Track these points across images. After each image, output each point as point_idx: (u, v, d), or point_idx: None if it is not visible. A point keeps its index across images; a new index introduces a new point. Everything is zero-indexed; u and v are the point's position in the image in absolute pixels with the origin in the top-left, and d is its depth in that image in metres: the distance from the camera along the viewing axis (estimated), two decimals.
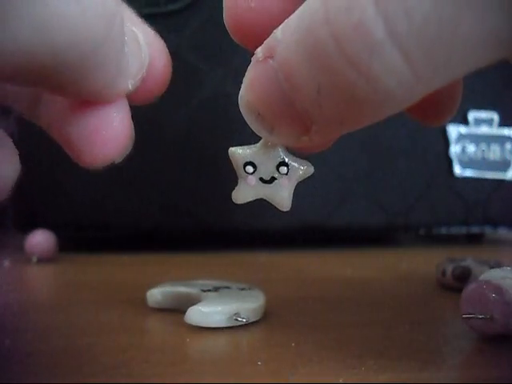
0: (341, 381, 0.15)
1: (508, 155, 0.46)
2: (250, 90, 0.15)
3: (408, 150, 0.43)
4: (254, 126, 0.16)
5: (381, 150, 0.43)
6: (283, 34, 0.14)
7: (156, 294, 0.23)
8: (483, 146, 0.45)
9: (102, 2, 0.13)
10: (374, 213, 0.43)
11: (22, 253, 0.36)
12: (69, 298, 0.26)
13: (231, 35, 0.18)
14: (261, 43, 0.15)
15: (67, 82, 0.14)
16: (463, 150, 0.44)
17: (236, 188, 0.19)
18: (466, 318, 0.18)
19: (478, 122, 0.45)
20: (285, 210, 0.19)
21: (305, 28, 0.13)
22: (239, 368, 0.16)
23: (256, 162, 0.18)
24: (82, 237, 0.42)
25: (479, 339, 0.19)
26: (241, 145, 0.18)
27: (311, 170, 0.18)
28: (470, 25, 0.12)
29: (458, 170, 0.44)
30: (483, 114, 0.45)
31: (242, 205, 0.19)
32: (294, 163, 0.18)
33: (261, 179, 0.18)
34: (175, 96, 0.39)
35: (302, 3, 0.14)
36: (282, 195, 0.19)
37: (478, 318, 0.18)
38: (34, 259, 0.35)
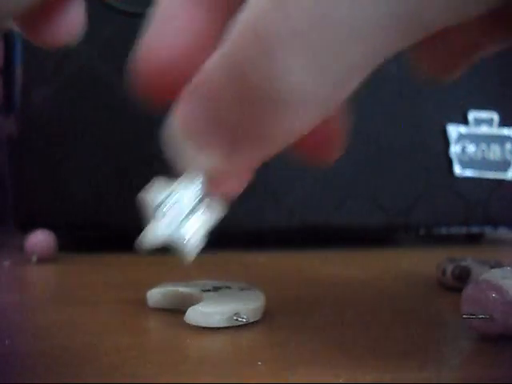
0: (341, 381, 0.15)
1: (508, 155, 0.46)
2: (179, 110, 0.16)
3: (408, 150, 0.43)
4: (183, 151, 0.16)
5: (381, 150, 0.43)
6: (206, 66, 0.15)
7: (156, 294, 0.23)
8: (483, 146, 0.45)
9: None
10: (374, 213, 0.43)
11: (22, 253, 0.36)
12: (69, 298, 0.26)
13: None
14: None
15: None
16: (463, 150, 0.44)
17: (147, 229, 0.18)
18: (466, 318, 0.18)
19: (478, 122, 0.45)
20: (187, 261, 0.18)
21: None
22: (239, 368, 0.16)
23: (171, 201, 0.18)
24: (82, 237, 0.42)
25: (479, 339, 0.19)
26: None
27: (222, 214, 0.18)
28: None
29: (458, 169, 0.44)
30: (483, 114, 0.45)
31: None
32: (211, 203, 0.18)
33: (176, 220, 0.18)
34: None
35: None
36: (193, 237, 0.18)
37: (478, 318, 0.18)
38: (34, 259, 0.35)
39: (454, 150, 0.44)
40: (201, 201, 0.17)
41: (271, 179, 0.40)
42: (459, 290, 0.19)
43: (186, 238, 0.18)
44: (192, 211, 0.18)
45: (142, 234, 0.18)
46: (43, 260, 0.35)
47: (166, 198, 0.17)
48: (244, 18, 0.14)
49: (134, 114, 0.39)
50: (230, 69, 0.14)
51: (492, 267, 0.23)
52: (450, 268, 0.27)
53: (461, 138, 0.44)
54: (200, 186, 0.17)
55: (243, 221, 0.40)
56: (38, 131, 0.39)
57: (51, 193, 0.39)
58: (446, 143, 0.44)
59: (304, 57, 0.13)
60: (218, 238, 0.43)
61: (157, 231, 0.18)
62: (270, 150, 0.16)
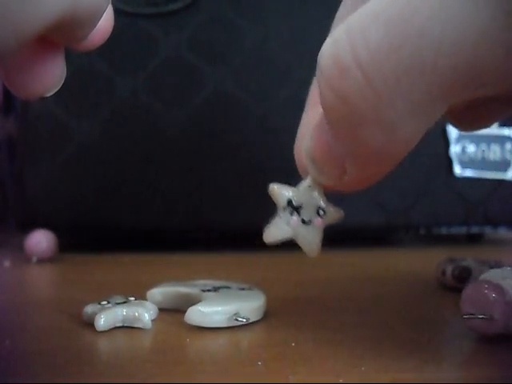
0: (341, 381, 0.15)
1: (508, 155, 0.46)
2: (310, 141, 0.19)
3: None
4: (309, 168, 0.19)
5: None
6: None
7: (156, 294, 0.23)
8: (483, 146, 0.45)
9: None
10: (374, 212, 0.42)
11: (22, 253, 0.36)
12: (69, 298, 0.26)
13: None
14: None
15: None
16: (463, 150, 0.44)
17: (271, 225, 0.20)
18: (466, 318, 0.18)
19: None
20: (313, 255, 0.20)
21: None
22: (239, 368, 0.16)
23: (297, 204, 0.19)
24: (82, 237, 0.42)
25: (479, 339, 0.19)
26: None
27: (342, 215, 0.20)
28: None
29: (458, 169, 0.44)
30: None
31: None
32: (330, 208, 0.20)
33: (302, 221, 0.20)
34: (175, 96, 0.39)
35: None
36: (315, 238, 0.20)
37: (477, 318, 0.18)
38: (34, 259, 0.35)
39: (454, 150, 0.44)
40: (322, 202, 0.20)
41: (271, 179, 0.40)
42: (459, 290, 0.19)
43: (308, 237, 0.20)
44: (312, 214, 0.20)
45: (266, 228, 0.20)
46: (43, 260, 0.35)
47: (291, 199, 0.20)
48: None
49: (133, 113, 0.39)
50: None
51: (492, 267, 0.23)
52: (449, 268, 0.27)
53: (461, 138, 0.44)
54: (318, 194, 0.20)
55: (243, 221, 0.40)
56: (38, 131, 0.39)
57: (51, 193, 0.39)
58: (446, 143, 0.44)
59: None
60: (218, 238, 0.43)
61: (282, 229, 0.20)
62: (377, 169, 0.19)
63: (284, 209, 0.19)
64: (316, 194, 0.20)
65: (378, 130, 0.16)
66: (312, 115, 0.21)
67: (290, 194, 0.20)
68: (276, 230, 0.20)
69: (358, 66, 0.15)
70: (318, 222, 0.20)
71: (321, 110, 0.17)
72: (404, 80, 0.15)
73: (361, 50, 0.15)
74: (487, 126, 0.23)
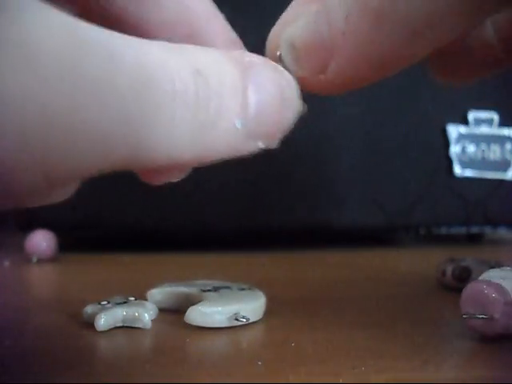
0: (341, 381, 0.15)
1: (508, 155, 0.46)
2: (298, 28, 0.18)
3: (408, 150, 0.43)
4: (284, 53, 0.18)
5: (381, 150, 0.43)
6: None
7: (156, 294, 0.23)
8: (483, 146, 0.45)
9: None
10: (374, 213, 0.42)
11: (22, 253, 0.36)
12: (69, 298, 0.26)
13: None
14: None
15: None
16: (463, 150, 0.44)
17: None
18: (466, 318, 0.18)
19: (478, 122, 0.45)
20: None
21: None
22: (239, 368, 0.16)
23: None
24: (82, 237, 0.42)
25: (479, 339, 0.19)
26: None
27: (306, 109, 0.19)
28: None
29: (458, 169, 0.44)
30: (483, 114, 0.45)
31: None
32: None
33: None
34: None
35: None
36: None
37: (477, 317, 0.18)
38: (34, 259, 0.35)
39: (454, 150, 0.44)
40: None
41: (271, 179, 0.40)
42: (459, 290, 0.19)
43: None
44: None
45: None
46: (43, 260, 0.35)
47: None
48: None
49: None
50: None
51: (492, 267, 0.23)
52: (450, 268, 0.27)
53: (461, 138, 0.44)
54: None
55: (243, 221, 0.40)
56: None
57: None
58: (446, 143, 0.44)
59: None
60: (219, 238, 0.43)
61: None
62: (363, 75, 0.18)
63: None
64: None
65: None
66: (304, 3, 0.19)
67: None
68: None
69: None
70: None
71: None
72: None
73: None
74: (467, 80, 0.23)
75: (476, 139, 0.45)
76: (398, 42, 0.16)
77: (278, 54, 0.18)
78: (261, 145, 0.15)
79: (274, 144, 0.16)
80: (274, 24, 0.19)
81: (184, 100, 0.12)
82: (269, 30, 0.19)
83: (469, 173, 0.45)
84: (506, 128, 0.45)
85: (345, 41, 0.16)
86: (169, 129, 0.12)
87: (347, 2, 0.16)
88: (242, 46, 0.20)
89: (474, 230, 0.46)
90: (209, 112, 0.13)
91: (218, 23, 0.19)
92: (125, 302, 0.21)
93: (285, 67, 0.17)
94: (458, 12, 0.15)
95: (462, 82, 0.23)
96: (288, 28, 0.18)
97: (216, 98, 0.13)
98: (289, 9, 0.19)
